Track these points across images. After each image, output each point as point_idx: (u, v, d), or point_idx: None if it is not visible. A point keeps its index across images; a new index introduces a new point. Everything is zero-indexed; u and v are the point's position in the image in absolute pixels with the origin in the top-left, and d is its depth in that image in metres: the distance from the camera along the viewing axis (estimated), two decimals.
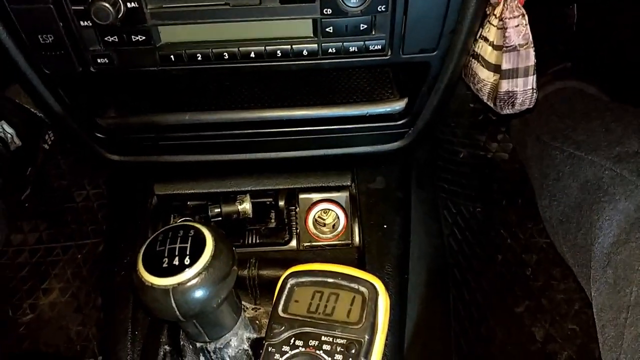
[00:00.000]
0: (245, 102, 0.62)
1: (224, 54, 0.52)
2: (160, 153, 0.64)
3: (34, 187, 1.07)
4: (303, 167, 0.70)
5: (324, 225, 0.70)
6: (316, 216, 0.69)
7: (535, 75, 0.56)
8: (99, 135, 0.61)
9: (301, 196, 0.70)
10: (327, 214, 0.70)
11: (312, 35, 0.52)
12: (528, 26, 0.54)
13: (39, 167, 1.08)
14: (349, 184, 0.70)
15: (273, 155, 0.66)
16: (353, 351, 0.43)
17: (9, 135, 1.01)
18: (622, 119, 0.73)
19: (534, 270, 1.04)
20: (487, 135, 1.15)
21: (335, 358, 0.43)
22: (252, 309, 0.56)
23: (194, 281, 0.39)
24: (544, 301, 1.05)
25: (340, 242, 0.69)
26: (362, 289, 0.48)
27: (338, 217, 0.69)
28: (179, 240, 0.41)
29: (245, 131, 0.62)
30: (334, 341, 0.45)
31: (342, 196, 0.70)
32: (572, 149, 0.74)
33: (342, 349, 0.44)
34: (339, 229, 0.69)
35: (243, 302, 0.54)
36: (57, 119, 0.59)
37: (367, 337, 0.44)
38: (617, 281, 0.60)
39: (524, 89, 0.57)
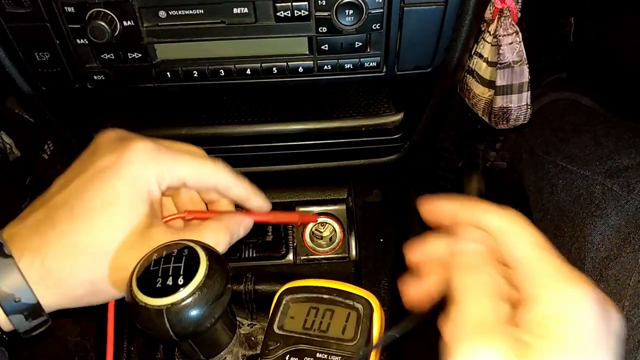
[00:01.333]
0: (242, 117, 0.62)
1: (220, 71, 0.52)
2: None
3: (33, 196, 1.07)
4: (299, 180, 0.71)
5: (321, 238, 0.70)
6: (313, 229, 0.69)
7: (529, 92, 0.57)
8: None
9: (298, 209, 0.70)
10: (323, 228, 0.70)
11: (307, 53, 0.52)
12: (522, 43, 0.54)
13: (39, 177, 1.08)
14: (345, 197, 0.70)
15: (270, 168, 0.66)
16: None
17: (7, 146, 1.01)
18: (613, 132, 0.74)
19: None
20: (486, 144, 1.15)
21: None
22: (248, 325, 0.56)
23: (187, 301, 0.38)
24: None
25: (337, 255, 0.69)
26: (357, 305, 0.48)
27: (335, 231, 0.69)
28: (172, 260, 0.40)
29: (242, 145, 0.63)
30: (329, 358, 0.45)
31: (338, 209, 0.70)
32: (565, 163, 0.75)
33: None
34: (336, 243, 0.69)
35: (238, 318, 0.54)
36: (55, 133, 0.59)
37: (361, 353, 0.44)
38: (609, 295, 0.60)
39: (518, 105, 0.57)
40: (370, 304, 0.47)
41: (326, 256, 0.69)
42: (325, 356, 0.45)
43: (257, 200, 0.52)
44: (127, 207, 0.41)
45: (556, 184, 0.78)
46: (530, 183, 0.87)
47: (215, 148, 0.62)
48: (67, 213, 0.41)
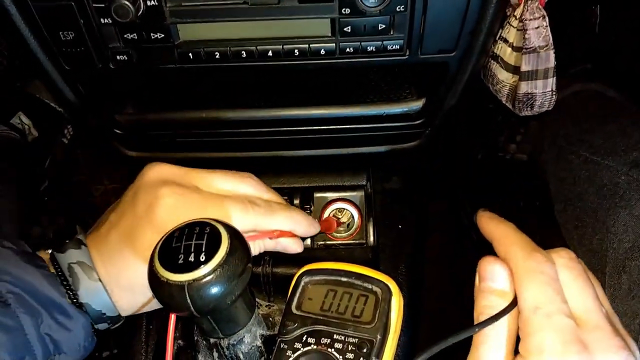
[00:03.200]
0: (263, 101, 0.62)
1: (242, 52, 0.52)
2: (177, 150, 0.65)
3: (53, 180, 1.09)
4: (319, 166, 0.71)
5: (339, 224, 0.70)
6: (331, 215, 0.69)
7: (555, 78, 0.56)
8: (117, 131, 0.62)
9: (316, 195, 0.70)
10: (341, 213, 0.70)
11: (330, 35, 0.52)
12: (548, 28, 0.53)
13: (58, 161, 1.09)
14: (364, 183, 0.70)
15: (289, 153, 0.66)
16: (365, 350, 0.43)
17: (26, 126, 1.03)
18: (639, 123, 0.72)
19: None
20: (506, 136, 1.13)
21: (346, 357, 0.43)
22: (266, 306, 0.57)
23: (209, 277, 0.39)
24: None
25: (354, 241, 0.69)
26: (376, 288, 0.48)
27: (353, 217, 0.69)
28: (194, 237, 0.41)
29: (262, 129, 0.63)
30: (346, 340, 0.45)
31: (357, 195, 0.70)
32: (589, 154, 0.73)
33: (354, 348, 0.44)
34: (354, 228, 0.69)
35: (257, 299, 0.54)
36: (76, 115, 0.60)
37: (379, 336, 0.44)
38: (632, 287, 0.59)
39: (543, 91, 0.56)
40: (389, 288, 0.47)
41: (344, 242, 0.69)
42: (343, 337, 0.45)
43: (303, 230, 0.54)
44: None
45: (579, 174, 0.77)
46: (552, 174, 0.86)
47: (234, 131, 0.62)
48: (119, 255, 0.48)
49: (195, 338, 0.52)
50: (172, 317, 0.43)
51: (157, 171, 0.50)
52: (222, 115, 0.61)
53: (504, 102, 0.61)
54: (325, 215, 0.69)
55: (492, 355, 0.36)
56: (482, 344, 0.37)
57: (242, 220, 0.48)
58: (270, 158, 0.66)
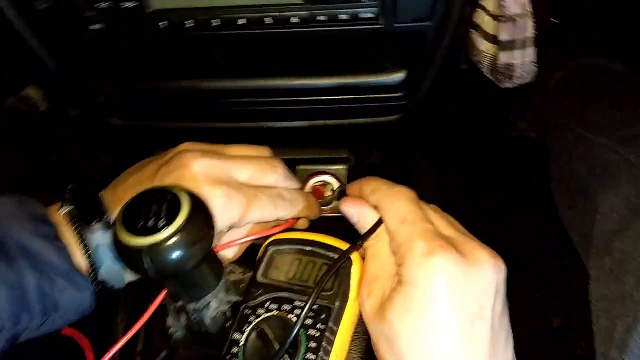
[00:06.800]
0: (242, 71, 0.62)
1: (212, 21, 0.52)
2: (159, 119, 0.65)
3: (59, 152, 1.11)
4: (301, 139, 0.71)
5: (323, 195, 0.70)
6: (312, 190, 0.69)
7: (534, 48, 0.54)
8: (98, 99, 0.63)
9: (299, 167, 0.70)
10: (324, 188, 0.70)
11: (302, 2, 0.51)
12: None
13: (62, 137, 1.11)
14: (347, 156, 0.70)
15: (270, 124, 0.66)
16: (323, 317, 0.44)
17: (34, 99, 1.04)
18: (636, 99, 0.69)
19: (550, 255, 1.02)
20: (516, 113, 1.11)
21: (305, 322, 0.44)
22: (240, 272, 0.57)
23: (168, 243, 0.39)
24: (560, 286, 1.02)
25: (336, 214, 0.69)
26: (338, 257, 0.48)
27: (334, 191, 0.69)
28: (157, 203, 0.41)
29: (242, 100, 0.63)
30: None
31: (340, 169, 0.69)
32: (582, 130, 0.71)
33: (313, 314, 0.44)
34: (336, 203, 0.69)
35: (232, 265, 0.55)
36: (55, 80, 0.60)
37: (337, 303, 0.44)
38: (614, 270, 0.57)
39: (522, 62, 0.55)
40: (349, 257, 0.47)
41: (326, 215, 0.69)
42: (303, 304, 0.45)
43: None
44: None
45: (573, 152, 0.75)
46: (552, 152, 0.84)
47: (214, 102, 0.62)
48: None
49: (165, 301, 0.53)
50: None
51: (200, 164, 0.48)
52: (202, 85, 0.61)
53: (484, 73, 0.60)
54: (308, 188, 0.69)
55: (374, 266, 0.43)
56: (368, 258, 0.44)
57: (271, 214, 0.50)
58: (252, 129, 0.66)
